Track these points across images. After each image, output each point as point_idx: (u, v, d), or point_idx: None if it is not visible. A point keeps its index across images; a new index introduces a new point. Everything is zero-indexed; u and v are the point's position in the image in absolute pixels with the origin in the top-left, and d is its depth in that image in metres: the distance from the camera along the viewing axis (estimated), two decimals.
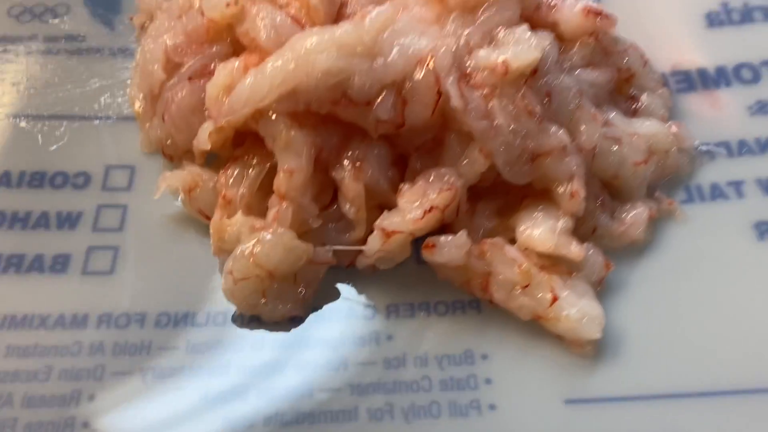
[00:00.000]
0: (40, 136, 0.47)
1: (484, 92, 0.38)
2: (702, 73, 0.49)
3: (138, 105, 0.46)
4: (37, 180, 0.45)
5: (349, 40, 0.37)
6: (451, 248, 0.37)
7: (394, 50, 0.38)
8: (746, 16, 0.51)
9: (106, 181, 0.45)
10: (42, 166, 0.45)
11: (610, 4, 0.51)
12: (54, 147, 0.46)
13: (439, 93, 0.38)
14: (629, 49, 0.46)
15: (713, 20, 0.51)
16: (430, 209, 0.37)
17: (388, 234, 0.37)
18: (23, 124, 0.47)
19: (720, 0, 0.52)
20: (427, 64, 0.38)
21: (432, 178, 0.38)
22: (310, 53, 0.37)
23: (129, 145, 0.47)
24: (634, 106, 0.45)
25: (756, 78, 0.48)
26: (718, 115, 0.47)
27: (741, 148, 0.45)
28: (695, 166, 0.45)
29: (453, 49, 0.38)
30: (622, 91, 0.46)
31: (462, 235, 0.37)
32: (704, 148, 0.45)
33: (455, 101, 0.37)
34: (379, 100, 0.38)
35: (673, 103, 0.47)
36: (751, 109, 0.47)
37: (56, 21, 0.52)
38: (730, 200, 0.43)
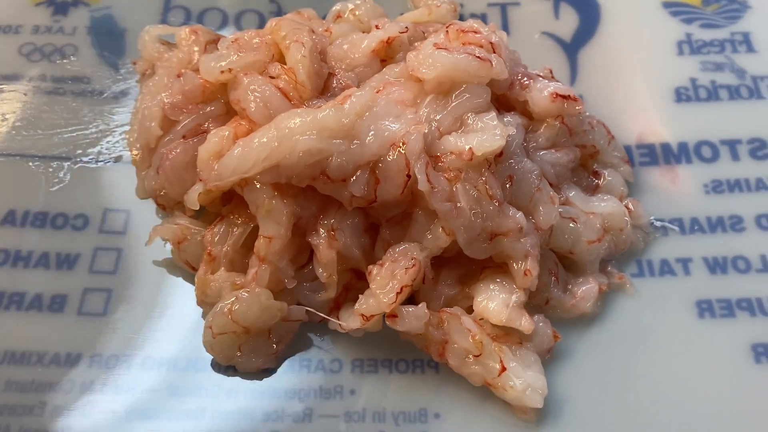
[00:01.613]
0: (43, 177, 0.50)
1: (450, 176, 0.41)
2: (665, 148, 0.52)
3: (135, 153, 0.50)
4: (40, 220, 0.48)
5: (330, 124, 0.41)
6: (412, 319, 0.40)
7: (370, 134, 0.41)
8: (713, 94, 0.54)
9: (104, 224, 0.49)
10: (44, 206, 0.49)
11: (585, 76, 0.56)
12: (56, 188, 0.50)
13: (409, 175, 0.41)
14: (595, 127, 0.49)
15: (681, 96, 0.54)
16: (401, 289, 0.40)
17: (367, 318, 0.41)
18: (29, 163, 0.51)
19: (690, 76, 0.55)
20: (400, 148, 0.41)
21: (397, 255, 0.42)
22: (293, 133, 0.41)
23: (125, 188, 0.50)
24: (596, 182, 0.49)
25: (714, 156, 0.51)
26: (676, 190, 0.50)
27: (693, 226, 0.48)
28: (648, 242, 0.48)
29: (425, 132, 0.41)
30: (587, 166, 0.49)
31: (422, 308, 0.41)
32: (659, 223, 0.49)
33: (422, 185, 0.40)
34: (354, 178, 0.41)
35: (635, 177, 0.50)
36: (707, 187, 0.50)
37: (64, 61, 0.56)
38: (676, 276, 0.47)
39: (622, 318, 0.45)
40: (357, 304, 0.42)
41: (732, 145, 0.51)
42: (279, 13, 0.59)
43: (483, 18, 0.59)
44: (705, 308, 0.45)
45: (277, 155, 0.41)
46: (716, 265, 0.47)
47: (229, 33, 0.57)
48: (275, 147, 0.41)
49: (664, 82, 0.55)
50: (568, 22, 0.59)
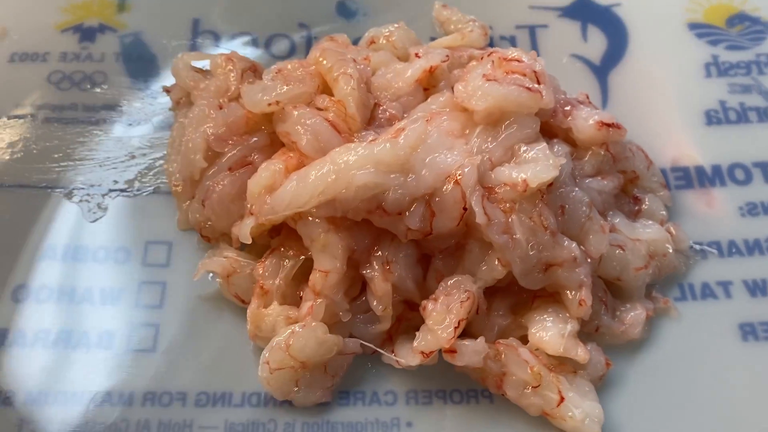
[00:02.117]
0: (81, 209, 0.50)
1: (505, 207, 0.42)
2: (699, 171, 0.53)
3: (176, 184, 0.49)
4: (81, 254, 0.48)
5: (386, 158, 0.41)
6: (471, 354, 0.41)
7: (425, 167, 0.41)
8: (742, 116, 0.55)
9: (146, 257, 0.48)
10: (84, 240, 0.48)
11: (617, 99, 0.56)
12: (94, 221, 0.49)
13: (465, 208, 0.41)
14: (635, 153, 0.50)
15: (711, 118, 0.55)
16: (459, 323, 0.41)
17: (426, 354, 0.41)
18: (66, 197, 0.50)
19: (719, 98, 0.56)
20: (455, 180, 0.41)
21: (450, 288, 0.42)
22: (350, 168, 0.41)
23: (165, 220, 0.50)
24: (637, 207, 0.49)
25: (748, 179, 0.52)
26: (712, 213, 0.51)
27: (731, 249, 0.49)
28: (689, 266, 0.49)
29: (478, 166, 0.42)
30: (627, 191, 0.50)
31: (480, 342, 0.41)
32: (698, 247, 0.49)
33: (480, 218, 0.41)
34: (410, 211, 0.41)
35: (672, 201, 0.51)
36: (742, 210, 0.51)
37: (95, 90, 0.55)
38: (718, 299, 0.47)
39: (668, 342, 0.46)
40: (415, 341, 0.42)
41: (764, 167, 0.52)
42: (308, 37, 0.59)
43: (512, 40, 0.59)
44: (748, 331, 0.46)
45: (333, 190, 0.41)
46: (756, 288, 0.47)
47: (259, 57, 0.57)
48: (331, 181, 0.41)
49: (694, 104, 0.56)
50: (596, 45, 0.59)
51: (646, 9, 0.61)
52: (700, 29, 0.60)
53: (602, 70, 0.58)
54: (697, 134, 0.54)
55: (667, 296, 0.47)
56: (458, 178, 0.41)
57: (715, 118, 0.55)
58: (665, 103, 0.56)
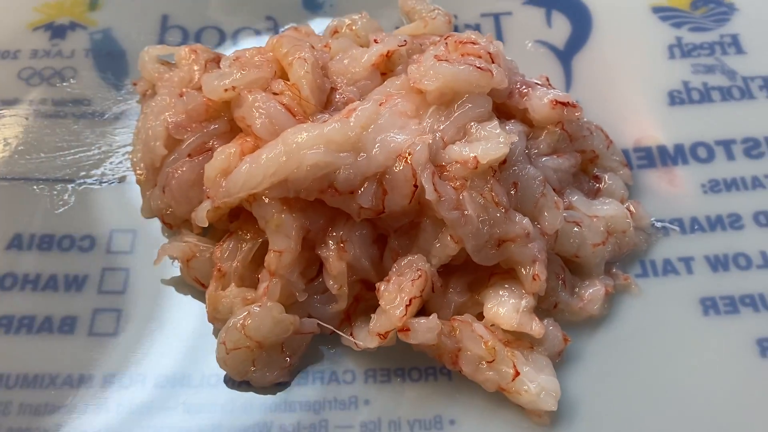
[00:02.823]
0: (48, 200, 0.50)
1: (456, 184, 0.42)
2: (661, 150, 0.53)
3: (139, 173, 0.50)
4: (46, 243, 0.48)
5: (336, 137, 0.41)
6: (424, 331, 0.41)
7: (376, 145, 0.42)
8: (705, 96, 0.55)
9: (110, 244, 0.49)
10: (50, 229, 0.49)
11: (580, 83, 0.57)
12: (61, 210, 0.50)
13: (416, 185, 0.42)
14: (594, 132, 0.50)
15: (675, 99, 0.55)
16: (410, 301, 0.41)
17: (383, 335, 0.41)
18: (33, 187, 0.51)
19: (682, 79, 0.56)
20: (406, 158, 0.42)
21: (403, 268, 0.42)
22: (301, 148, 0.41)
23: (130, 208, 0.50)
24: (597, 186, 0.50)
25: (710, 157, 0.52)
26: (675, 191, 0.51)
27: (693, 226, 0.49)
28: (651, 243, 0.49)
29: (430, 143, 0.42)
30: (587, 170, 0.50)
31: (433, 319, 0.41)
32: (660, 224, 0.50)
33: (429, 194, 0.41)
34: (361, 190, 0.42)
35: (634, 180, 0.51)
36: (704, 187, 0.51)
37: (64, 84, 0.56)
38: (680, 275, 0.47)
39: (628, 318, 0.46)
40: (371, 324, 0.42)
41: (727, 145, 0.52)
42: (275, 30, 0.60)
43: (477, 28, 0.60)
44: (709, 305, 0.46)
45: (285, 170, 0.41)
46: (718, 263, 0.47)
47: (227, 51, 0.57)
48: (283, 162, 0.41)
49: (657, 85, 0.56)
50: (560, 30, 0.60)
51: None
52: (664, 12, 0.60)
53: (566, 54, 0.58)
54: (661, 115, 0.55)
55: (628, 273, 0.47)
56: (408, 156, 0.42)
57: (678, 98, 0.55)
58: (629, 85, 0.56)
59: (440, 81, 0.44)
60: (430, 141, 0.42)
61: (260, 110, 0.45)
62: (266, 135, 0.44)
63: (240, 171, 0.43)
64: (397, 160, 0.42)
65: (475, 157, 0.42)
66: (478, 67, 0.44)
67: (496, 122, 0.44)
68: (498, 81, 0.45)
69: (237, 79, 0.46)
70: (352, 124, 0.42)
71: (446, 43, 0.47)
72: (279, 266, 0.42)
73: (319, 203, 0.43)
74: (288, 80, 0.47)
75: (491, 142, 0.43)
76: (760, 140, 0.52)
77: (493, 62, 0.46)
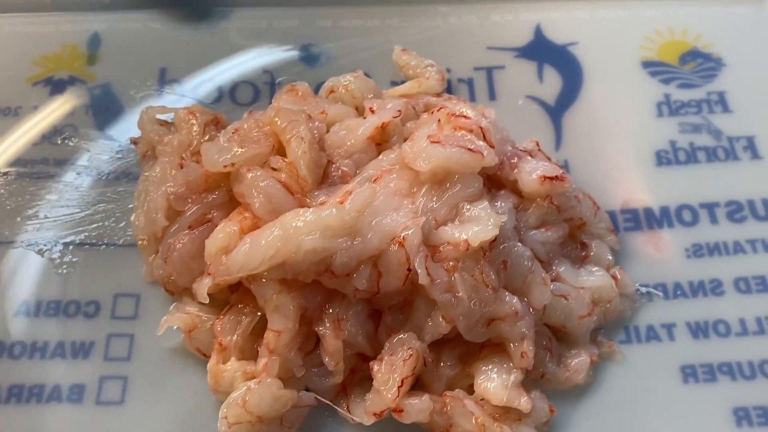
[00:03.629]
0: (52, 264, 0.52)
1: (448, 266, 0.44)
2: (648, 213, 0.54)
3: (142, 238, 0.52)
4: (53, 309, 0.50)
5: (333, 223, 0.43)
6: (417, 412, 0.43)
7: (371, 229, 0.43)
8: (691, 156, 0.57)
9: (115, 309, 0.50)
10: (56, 295, 0.51)
11: (570, 140, 0.58)
12: (65, 272, 0.51)
13: (409, 269, 0.43)
14: (582, 200, 0.51)
15: (662, 159, 0.57)
16: (402, 382, 0.43)
17: (378, 414, 0.44)
18: (38, 252, 0.52)
19: (669, 138, 0.58)
20: (400, 242, 0.43)
21: (395, 347, 0.44)
22: (298, 233, 0.43)
23: (133, 271, 0.52)
24: (584, 253, 0.51)
25: (695, 220, 0.54)
26: (660, 256, 0.53)
27: (676, 291, 0.51)
28: (635, 308, 0.51)
29: (422, 226, 0.44)
30: (575, 236, 0.52)
31: (426, 399, 0.43)
32: (644, 290, 0.51)
33: (423, 279, 0.43)
34: (357, 273, 0.43)
35: (620, 243, 0.53)
36: (688, 251, 0.53)
37: (67, 143, 0.57)
38: (662, 342, 0.49)
39: (612, 386, 0.48)
40: (366, 403, 0.44)
41: (710, 208, 0.54)
42: (272, 83, 0.61)
43: (470, 83, 0.61)
44: (689, 373, 0.48)
45: (283, 254, 0.43)
46: (698, 330, 0.50)
47: (225, 107, 0.59)
48: (281, 246, 0.43)
49: (645, 145, 0.57)
50: (551, 85, 0.61)
51: (601, 47, 0.62)
52: (654, 67, 0.61)
53: (557, 111, 0.60)
54: (648, 176, 0.56)
55: (612, 339, 0.50)
56: (402, 240, 0.43)
57: (665, 158, 0.57)
58: (617, 144, 0.58)
59: (433, 163, 0.45)
60: (422, 223, 0.44)
61: (259, 189, 0.46)
62: (264, 214, 0.46)
63: (239, 251, 0.44)
64: (392, 243, 0.44)
65: (466, 240, 0.44)
66: (469, 149, 0.46)
67: (486, 203, 0.45)
68: (488, 161, 0.46)
69: (237, 156, 0.48)
70: (347, 208, 0.43)
71: (438, 120, 0.48)
72: (277, 345, 0.44)
73: (316, 283, 0.45)
74: (286, 155, 0.48)
75: (481, 224, 0.44)
76: (743, 203, 0.54)
77: (484, 137, 0.48)
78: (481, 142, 0.47)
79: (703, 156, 0.57)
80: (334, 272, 0.43)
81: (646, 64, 0.61)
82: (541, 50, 0.63)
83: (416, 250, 0.43)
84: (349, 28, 0.64)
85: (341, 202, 0.44)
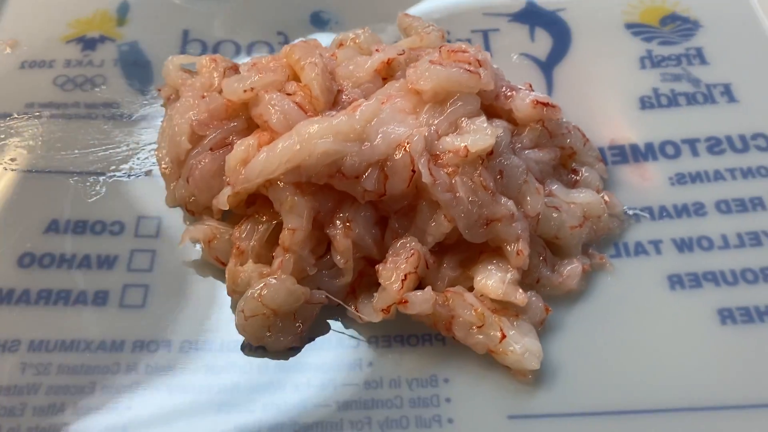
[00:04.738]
0: (82, 190, 0.56)
1: (449, 170, 0.48)
2: (633, 148, 0.59)
3: (164, 167, 0.56)
4: (80, 227, 0.54)
5: (343, 129, 0.47)
6: (420, 302, 0.46)
7: (379, 136, 0.48)
8: (672, 101, 0.61)
9: (138, 229, 0.54)
10: (84, 216, 0.54)
11: (561, 90, 0.63)
12: (93, 199, 0.55)
13: (413, 170, 0.47)
14: (572, 131, 0.56)
15: (645, 103, 0.61)
16: (406, 276, 0.46)
17: (385, 310, 0.47)
18: (69, 179, 0.56)
19: (652, 86, 0.62)
20: (405, 148, 0.47)
21: (398, 249, 0.48)
22: (312, 137, 0.47)
23: (155, 199, 0.56)
24: (575, 178, 0.55)
25: (677, 153, 0.58)
26: (645, 184, 0.57)
27: (661, 213, 0.55)
28: (623, 228, 0.54)
29: (425, 136, 0.48)
30: (566, 165, 0.56)
31: (428, 291, 0.47)
32: (632, 212, 0.55)
33: (425, 177, 0.47)
34: (365, 175, 0.47)
35: (608, 174, 0.57)
36: (671, 180, 0.57)
37: (95, 90, 0.62)
38: (650, 256, 0.53)
39: (604, 293, 0.51)
40: (374, 302, 0.47)
41: (692, 143, 0.58)
42: (286, 43, 0.66)
43: (467, 42, 0.66)
44: (675, 281, 0.51)
45: (298, 157, 0.47)
46: (683, 245, 0.53)
47: (242, 62, 0.64)
48: (297, 150, 0.47)
49: (629, 92, 0.62)
50: (542, 44, 0.66)
51: (587, 12, 0.68)
52: (636, 28, 0.67)
53: (548, 65, 0.65)
54: (633, 117, 0.61)
55: (603, 254, 0.53)
56: (407, 145, 0.47)
57: (648, 103, 0.61)
58: (604, 92, 0.62)
59: (434, 81, 0.50)
60: (426, 133, 0.48)
61: (276, 107, 0.50)
62: (281, 128, 0.50)
63: (258, 159, 0.48)
64: (397, 149, 0.48)
65: (465, 146, 0.48)
66: (468, 70, 0.50)
67: (483, 118, 0.50)
68: (485, 82, 0.51)
69: (255, 81, 0.52)
70: (357, 117, 0.48)
71: (440, 52, 0.53)
72: (292, 242, 0.48)
73: (328, 188, 0.49)
74: (300, 83, 0.53)
75: (480, 134, 0.49)
76: (722, 139, 0.59)
77: (481, 67, 0.52)
78: (479, 68, 0.52)
79: (683, 100, 0.61)
80: (344, 174, 0.47)
81: (629, 26, 0.67)
82: (533, 15, 0.68)
83: (420, 153, 0.47)
84: None
85: (351, 112, 0.48)
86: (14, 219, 0.54)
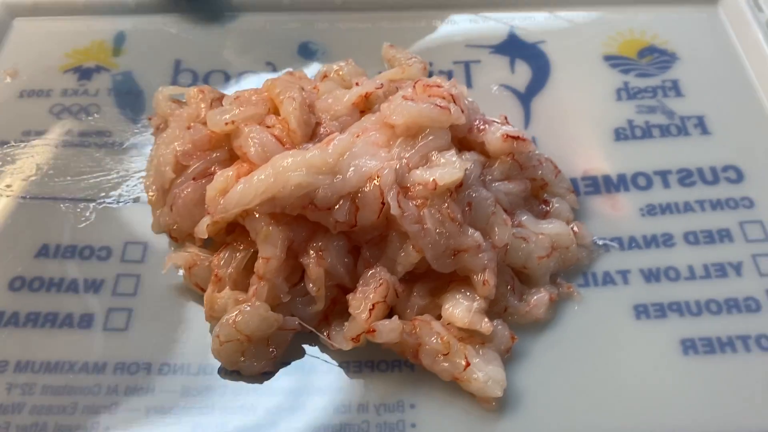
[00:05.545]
0: (72, 216, 0.58)
1: (418, 203, 0.50)
2: (606, 179, 0.60)
3: (151, 194, 0.58)
4: (69, 252, 0.56)
5: (316, 162, 0.49)
6: (387, 332, 0.48)
7: (351, 169, 0.50)
8: (646, 132, 0.63)
9: (124, 254, 0.56)
10: (73, 240, 0.57)
11: (538, 121, 0.64)
12: (83, 225, 0.58)
13: (383, 203, 0.49)
14: (544, 163, 0.57)
15: (620, 135, 0.63)
16: (374, 306, 0.48)
17: (355, 339, 0.49)
18: (60, 205, 0.59)
19: (627, 118, 0.64)
20: (375, 181, 0.49)
21: (368, 279, 0.50)
22: (286, 170, 0.49)
23: (143, 225, 0.58)
24: (546, 209, 0.57)
25: (649, 185, 0.60)
26: (616, 214, 0.58)
27: (631, 243, 0.56)
28: (592, 258, 0.56)
29: (396, 168, 0.50)
30: (538, 196, 0.58)
31: (394, 320, 0.48)
32: (601, 242, 0.57)
33: (394, 210, 0.48)
34: (337, 206, 0.49)
35: (580, 204, 0.58)
36: (642, 210, 0.58)
37: (89, 118, 0.65)
38: (617, 286, 0.54)
39: (570, 322, 0.52)
40: (345, 330, 0.49)
41: (663, 174, 0.60)
42: (275, 72, 0.69)
43: (449, 74, 0.68)
44: (641, 311, 0.52)
45: (272, 189, 0.49)
46: (651, 275, 0.54)
47: (231, 91, 0.66)
48: (271, 182, 0.49)
49: (605, 123, 0.64)
50: (522, 75, 0.68)
51: (567, 44, 0.70)
52: (615, 60, 0.69)
53: (526, 96, 0.67)
54: (607, 149, 0.62)
55: (571, 283, 0.54)
56: (378, 178, 0.49)
57: (623, 134, 0.63)
58: (580, 123, 0.64)
59: (406, 116, 0.52)
60: (397, 166, 0.50)
61: (254, 140, 0.53)
62: (258, 160, 0.52)
63: (235, 190, 0.51)
64: (368, 182, 0.50)
65: (434, 180, 0.50)
66: (439, 106, 0.52)
67: (453, 151, 0.52)
68: (455, 117, 0.52)
69: (236, 115, 0.55)
70: (330, 151, 0.50)
71: (414, 86, 0.55)
72: (267, 271, 0.50)
73: (301, 218, 0.51)
74: (279, 116, 0.55)
75: (448, 167, 0.50)
76: (693, 171, 0.60)
77: (454, 102, 0.54)
78: (450, 104, 0.54)
79: (657, 132, 0.63)
80: (317, 205, 0.49)
81: (608, 58, 0.69)
82: (514, 47, 0.70)
83: (389, 186, 0.49)
84: (343, 29, 0.73)
85: (325, 146, 0.50)
86: (7, 244, 0.56)
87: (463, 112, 0.54)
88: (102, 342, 0.52)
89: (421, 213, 0.49)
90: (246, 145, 0.53)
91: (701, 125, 0.63)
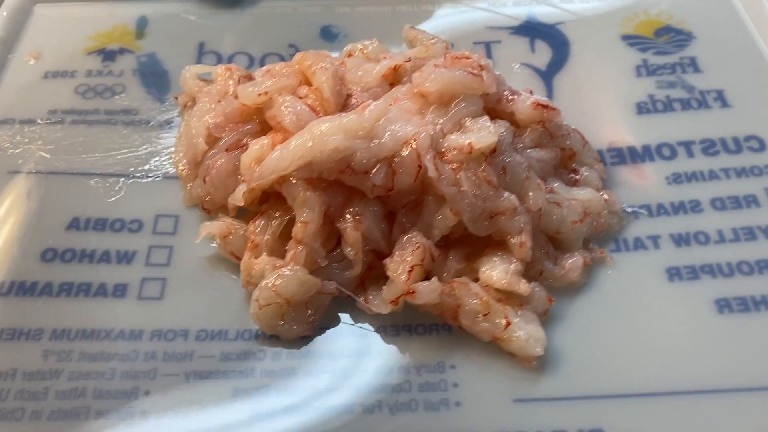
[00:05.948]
0: (102, 191, 0.58)
1: (454, 166, 0.50)
2: (631, 150, 0.61)
3: (181, 168, 0.58)
4: (101, 225, 0.56)
5: (353, 126, 0.50)
6: (427, 292, 0.48)
7: (387, 134, 0.50)
8: (668, 106, 0.64)
9: (156, 227, 0.56)
10: (104, 214, 0.57)
11: (560, 96, 0.65)
12: (113, 199, 0.58)
13: (420, 166, 0.50)
14: (572, 133, 0.58)
15: (642, 109, 0.64)
16: (412, 268, 0.48)
17: (394, 302, 0.49)
18: (90, 181, 0.59)
19: (648, 93, 0.65)
20: (411, 144, 0.50)
21: (404, 244, 0.50)
22: (323, 135, 0.49)
23: (172, 199, 0.58)
24: (575, 178, 0.58)
25: (673, 155, 0.60)
26: (643, 183, 0.59)
27: (659, 210, 0.57)
28: (623, 224, 0.56)
29: (431, 134, 0.50)
30: (566, 165, 0.58)
31: (434, 281, 0.48)
32: (630, 209, 0.57)
33: (431, 172, 0.49)
34: (374, 170, 0.50)
35: (607, 174, 0.59)
36: (668, 179, 0.59)
37: (115, 97, 0.65)
38: (648, 250, 0.55)
39: (605, 285, 0.53)
40: (383, 294, 0.49)
41: (687, 145, 0.61)
42: None
43: None
44: (674, 273, 0.53)
45: (310, 154, 0.50)
46: (681, 240, 0.55)
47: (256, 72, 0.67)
48: (309, 147, 0.50)
49: (626, 98, 0.64)
50: (542, 55, 0.69)
51: (585, 26, 0.71)
52: (632, 40, 0.70)
53: (548, 74, 0.68)
54: (630, 122, 0.63)
55: (603, 248, 0.55)
56: (414, 142, 0.50)
57: (644, 108, 0.64)
58: (602, 99, 0.65)
59: (439, 84, 0.52)
60: (432, 131, 0.51)
61: (288, 109, 0.53)
62: (294, 128, 0.52)
63: (272, 157, 0.51)
64: (404, 146, 0.50)
65: (470, 143, 0.50)
66: (471, 73, 0.53)
67: (486, 117, 0.52)
68: (488, 84, 0.53)
69: (269, 86, 0.55)
70: (366, 116, 0.50)
71: (444, 57, 0.56)
72: (304, 235, 0.50)
73: (338, 184, 0.51)
74: (312, 87, 0.56)
75: (483, 132, 0.51)
76: (716, 140, 0.61)
77: (483, 71, 0.55)
78: (482, 72, 0.54)
79: (678, 106, 0.64)
80: (354, 169, 0.50)
81: (625, 37, 0.70)
82: (533, 29, 0.71)
83: (426, 150, 0.50)
84: (364, 13, 0.73)
85: (361, 111, 0.51)
86: (38, 217, 0.56)
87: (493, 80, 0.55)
88: (137, 310, 0.51)
89: (458, 176, 0.50)
90: (280, 114, 0.53)
91: (721, 99, 0.64)
